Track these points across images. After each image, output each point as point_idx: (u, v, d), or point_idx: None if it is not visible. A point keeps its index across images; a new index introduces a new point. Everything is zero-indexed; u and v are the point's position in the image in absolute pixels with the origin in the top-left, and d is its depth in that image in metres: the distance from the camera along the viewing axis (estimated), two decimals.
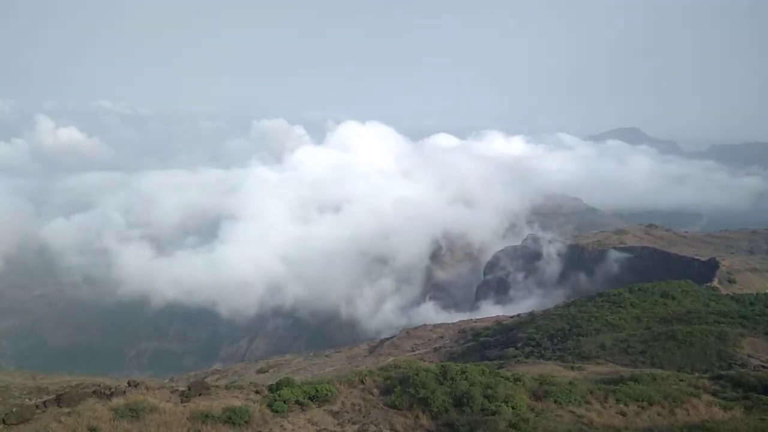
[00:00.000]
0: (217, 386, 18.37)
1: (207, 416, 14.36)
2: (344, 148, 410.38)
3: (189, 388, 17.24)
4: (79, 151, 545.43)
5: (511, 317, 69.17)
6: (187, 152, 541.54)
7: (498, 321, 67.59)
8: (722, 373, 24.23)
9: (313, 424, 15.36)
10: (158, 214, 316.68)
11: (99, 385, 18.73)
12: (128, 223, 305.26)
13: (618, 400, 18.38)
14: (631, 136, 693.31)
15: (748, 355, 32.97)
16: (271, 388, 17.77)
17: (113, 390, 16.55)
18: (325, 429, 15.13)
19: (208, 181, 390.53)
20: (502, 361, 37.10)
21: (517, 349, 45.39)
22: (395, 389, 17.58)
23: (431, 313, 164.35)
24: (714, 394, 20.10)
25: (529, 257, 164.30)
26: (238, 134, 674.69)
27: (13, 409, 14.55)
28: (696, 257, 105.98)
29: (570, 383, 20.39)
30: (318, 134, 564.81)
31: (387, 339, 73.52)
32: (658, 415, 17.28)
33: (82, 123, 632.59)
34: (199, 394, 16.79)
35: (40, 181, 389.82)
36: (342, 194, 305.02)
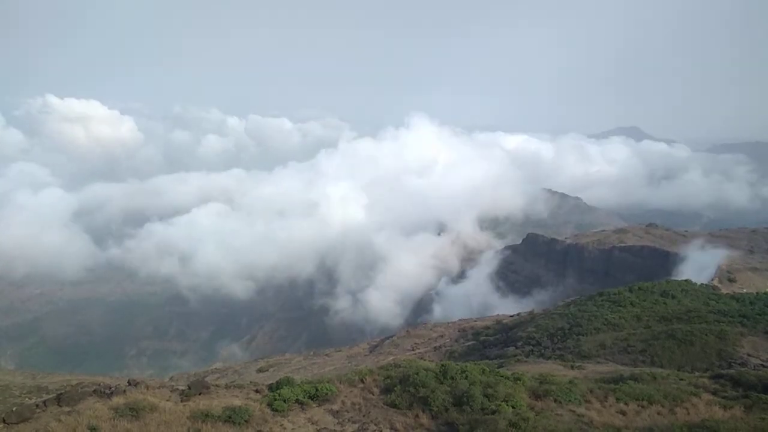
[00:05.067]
0: (217, 385, 18.36)
1: (207, 415, 14.34)
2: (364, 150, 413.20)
3: (189, 387, 17.21)
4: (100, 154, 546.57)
5: (511, 316, 69.20)
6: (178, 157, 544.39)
7: (498, 320, 67.61)
8: (722, 372, 24.21)
9: (313, 423, 15.36)
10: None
11: (99, 384, 18.74)
12: (127, 223, 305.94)
13: (618, 399, 18.39)
14: (632, 134, 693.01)
15: (748, 354, 32.99)
16: (271, 387, 17.75)
17: (113, 389, 16.54)
18: (325, 428, 15.13)
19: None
20: (502, 360, 37.12)
21: (517, 348, 45.43)
22: (395, 388, 17.58)
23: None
24: (714, 393, 20.08)
25: (529, 256, 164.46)
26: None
27: (14, 409, 14.54)
28: None
29: (570, 382, 20.39)
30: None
31: (387, 338, 73.53)
32: (658, 414, 17.27)
33: (99, 123, 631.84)
34: (199, 393, 16.77)
35: (43, 179, 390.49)
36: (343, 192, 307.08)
